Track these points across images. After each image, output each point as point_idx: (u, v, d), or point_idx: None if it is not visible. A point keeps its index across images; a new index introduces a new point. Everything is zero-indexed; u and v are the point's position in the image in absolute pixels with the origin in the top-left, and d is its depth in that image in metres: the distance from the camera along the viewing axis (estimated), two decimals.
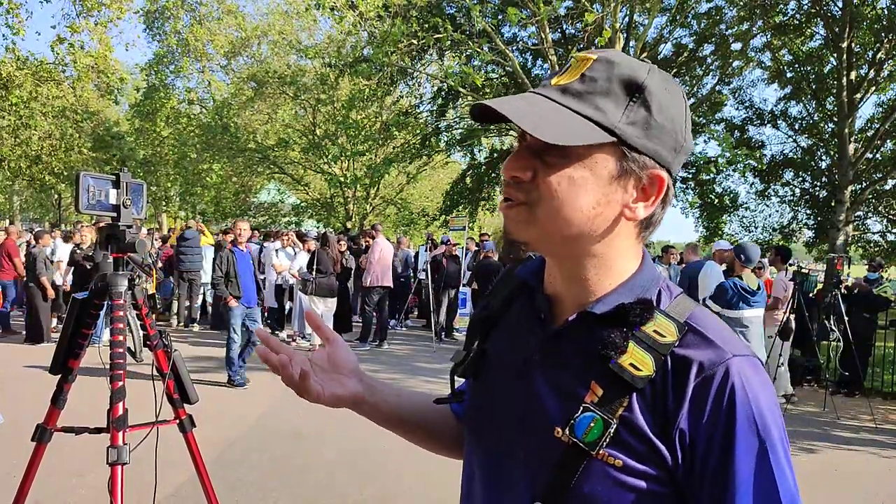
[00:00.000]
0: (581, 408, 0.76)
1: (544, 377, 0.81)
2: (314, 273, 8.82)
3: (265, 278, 10.33)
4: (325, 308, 8.94)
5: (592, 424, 0.74)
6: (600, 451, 0.74)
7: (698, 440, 0.72)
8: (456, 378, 0.97)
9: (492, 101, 0.74)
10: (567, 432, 0.76)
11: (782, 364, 7.05)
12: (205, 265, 10.61)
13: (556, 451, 0.77)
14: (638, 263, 0.83)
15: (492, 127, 13.57)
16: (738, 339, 0.78)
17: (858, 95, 13.32)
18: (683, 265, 9.86)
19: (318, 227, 19.88)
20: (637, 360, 0.75)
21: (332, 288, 8.86)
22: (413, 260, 12.43)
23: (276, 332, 10.50)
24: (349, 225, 19.10)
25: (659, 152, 0.77)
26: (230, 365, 6.72)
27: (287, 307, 10.80)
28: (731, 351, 0.74)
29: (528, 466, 0.80)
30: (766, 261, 7.82)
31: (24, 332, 9.16)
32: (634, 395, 0.74)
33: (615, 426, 0.74)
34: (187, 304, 10.86)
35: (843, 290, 8.07)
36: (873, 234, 17.19)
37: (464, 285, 11.08)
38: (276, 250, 10.52)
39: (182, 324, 10.82)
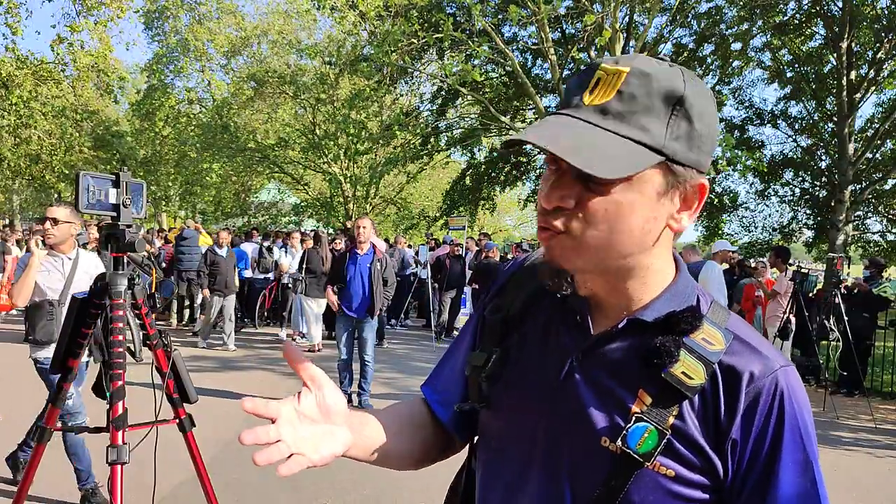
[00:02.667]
0: (633, 418, 0.74)
1: (587, 382, 0.79)
2: (304, 273, 8.79)
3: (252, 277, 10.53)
4: (318, 308, 8.89)
5: (647, 435, 0.73)
6: (654, 462, 0.73)
7: (748, 449, 0.73)
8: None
9: (531, 135, 0.71)
10: (619, 443, 0.74)
11: None
12: None
13: (604, 460, 0.75)
14: (674, 268, 0.82)
15: (492, 127, 13.57)
16: (776, 348, 0.79)
17: (858, 95, 13.31)
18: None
19: (318, 227, 19.88)
20: (689, 369, 0.74)
21: (322, 288, 8.79)
22: (411, 261, 12.42)
23: (246, 324, 10.59)
24: (349, 224, 19.09)
25: (701, 161, 0.76)
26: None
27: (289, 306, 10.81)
28: (777, 361, 0.75)
29: (575, 475, 0.78)
30: (765, 261, 7.82)
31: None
32: (685, 404, 0.73)
33: (668, 436, 0.73)
34: (187, 303, 10.87)
35: (842, 290, 8.07)
36: (873, 234, 17.18)
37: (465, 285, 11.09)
38: (280, 249, 10.56)
39: (182, 323, 10.83)
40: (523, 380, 0.85)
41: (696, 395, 0.74)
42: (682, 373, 0.74)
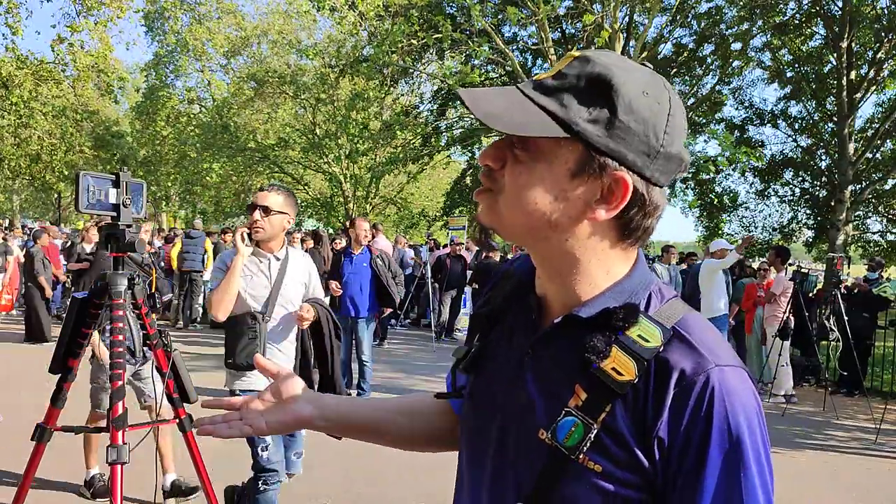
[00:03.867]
0: (563, 412, 0.75)
1: (535, 377, 0.81)
2: None
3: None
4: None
5: (573, 429, 0.74)
6: (580, 456, 0.73)
7: (674, 449, 0.71)
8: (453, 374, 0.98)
9: (464, 91, 0.77)
10: (549, 435, 0.76)
11: (784, 363, 7.04)
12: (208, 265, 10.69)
13: (543, 453, 0.77)
14: (628, 268, 0.82)
15: None
16: (727, 348, 0.76)
17: (858, 95, 13.32)
18: (685, 265, 9.87)
19: (318, 227, 19.87)
20: (619, 365, 0.74)
21: (321, 288, 8.75)
22: (410, 261, 12.41)
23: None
24: (349, 225, 19.05)
25: (623, 153, 0.74)
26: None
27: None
28: (714, 360, 0.72)
29: (516, 466, 0.81)
30: (764, 261, 7.81)
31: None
32: (618, 400, 0.73)
33: (596, 431, 0.73)
34: (188, 302, 10.89)
35: (842, 290, 8.07)
36: (873, 233, 17.19)
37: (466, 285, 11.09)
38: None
39: (182, 323, 10.83)
40: (491, 375, 0.89)
41: (630, 392, 0.73)
42: (613, 369, 0.74)
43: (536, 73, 17.18)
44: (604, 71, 0.74)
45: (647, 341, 0.75)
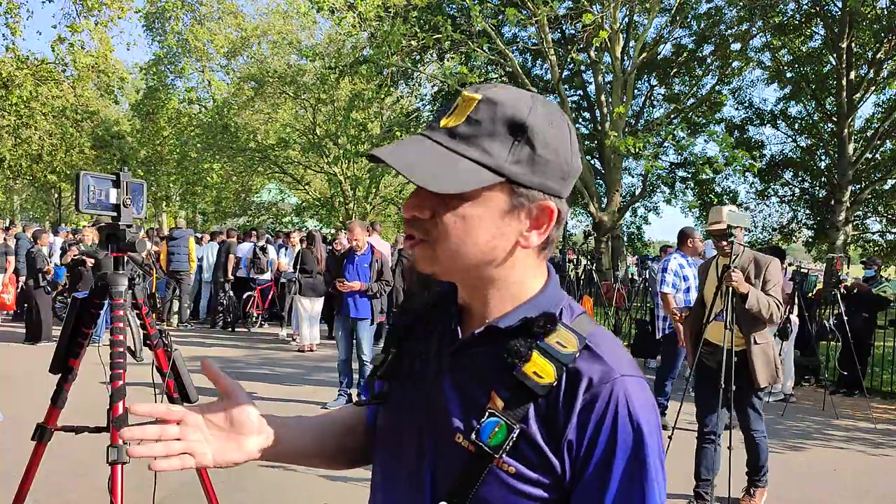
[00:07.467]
0: (487, 413, 0.79)
1: (451, 385, 0.85)
2: (298, 273, 8.75)
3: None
4: (312, 309, 8.86)
5: (497, 429, 0.78)
6: (496, 458, 0.77)
7: (582, 450, 0.77)
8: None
9: (382, 152, 0.79)
10: (473, 437, 0.79)
11: (783, 363, 7.04)
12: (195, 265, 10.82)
13: (460, 457, 0.80)
14: (542, 282, 0.87)
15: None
16: (630, 361, 0.82)
17: (858, 95, 13.33)
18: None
19: (319, 227, 19.88)
20: (539, 369, 0.78)
21: (316, 288, 8.75)
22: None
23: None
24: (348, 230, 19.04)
25: (546, 184, 0.81)
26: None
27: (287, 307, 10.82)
28: (619, 370, 0.78)
29: (433, 470, 0.83)
30: None
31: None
32: (531, 406, 0.78)
33: (518, 431, 0.77)
34: (179, 303, 10.91)
35: (842, 290, 8.07)
36: (872, 233, 17.19)
37: None
38: (278, 249, 10.56)
39: (177, 324, 10.84)
40: (407, 382, 0.91)
41: (542, 399, 0.78)
42: (534, 372, 0.78)
43: (536, 73, 17.07)
44: (516, 113, 0.79)
45: (565, 347, 0.80)
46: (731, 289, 3.73)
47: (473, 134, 0.78)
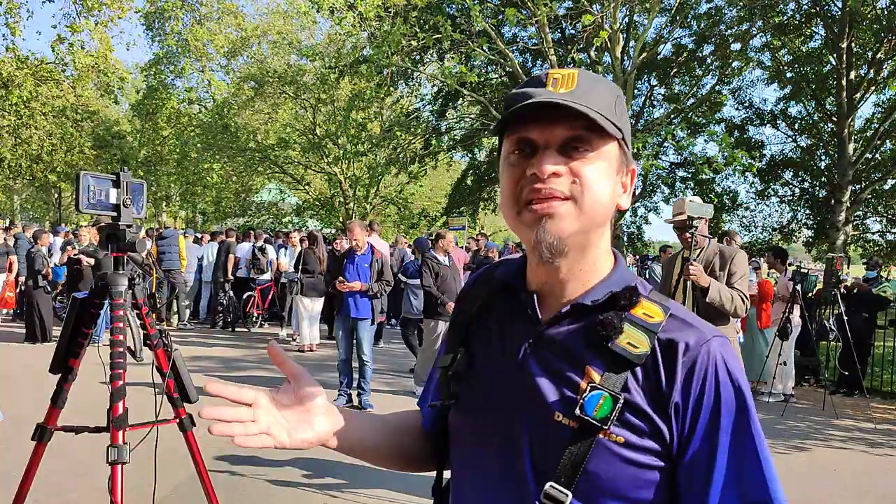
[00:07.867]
0: (589, 387, 0.80)
1: (539, 366, 0.85)
2: (300, 273, 8.75)
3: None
4: (313, 309, 8.86)
5: (602, 402, 0.79)
6: (605, 430, 0.78)
7: (689, 412, 0.79)
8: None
9: (544, 96, 0.81)
10: (577, 412, 0.79)
11: (784, 363, 7.03)
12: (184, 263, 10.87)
13: (562, 435, 0.80)
14: (612, 259, 0.91)
15: (492, 127, 13.57)
16: (708, 323, 0.86)
17: (858, 95, 13.32)
18: None
19: (320, 227, 19.87)
20: (633, 339, 0.81)
21: (318, 288, 8.75)
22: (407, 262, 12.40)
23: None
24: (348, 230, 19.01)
25: (629, 151, 0.87)
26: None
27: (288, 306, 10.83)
28: (708, 332, 0.83)
29: (532, 455, 0.83)
30: (758, 260, 7.79)
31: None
32: (629, 376, 0.80)
33: (623, 402, 0.79)
34: (177, 303, 10.92)
35: (842, 290, 8.07)
36: (873, 233, 17.18)
37: None
38: (277, 249, 10.56)
39: (177, 324, 10.85)
40: (486, 375, 0.91)
41: (639, 368, 0.80)
42: (628, 343, 0.81)
43: (536, 73, 17.22)
44: (611, 84, 0.86)
45: (652, 317, 0.83)
46: (691, 282, 3.71)
47: (590, 95, 0.83)
